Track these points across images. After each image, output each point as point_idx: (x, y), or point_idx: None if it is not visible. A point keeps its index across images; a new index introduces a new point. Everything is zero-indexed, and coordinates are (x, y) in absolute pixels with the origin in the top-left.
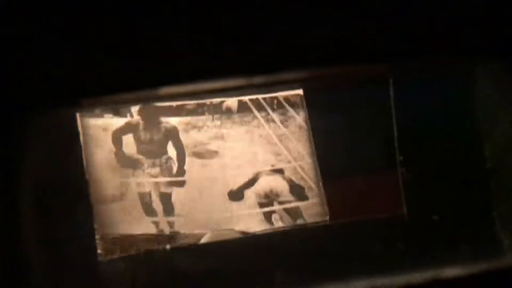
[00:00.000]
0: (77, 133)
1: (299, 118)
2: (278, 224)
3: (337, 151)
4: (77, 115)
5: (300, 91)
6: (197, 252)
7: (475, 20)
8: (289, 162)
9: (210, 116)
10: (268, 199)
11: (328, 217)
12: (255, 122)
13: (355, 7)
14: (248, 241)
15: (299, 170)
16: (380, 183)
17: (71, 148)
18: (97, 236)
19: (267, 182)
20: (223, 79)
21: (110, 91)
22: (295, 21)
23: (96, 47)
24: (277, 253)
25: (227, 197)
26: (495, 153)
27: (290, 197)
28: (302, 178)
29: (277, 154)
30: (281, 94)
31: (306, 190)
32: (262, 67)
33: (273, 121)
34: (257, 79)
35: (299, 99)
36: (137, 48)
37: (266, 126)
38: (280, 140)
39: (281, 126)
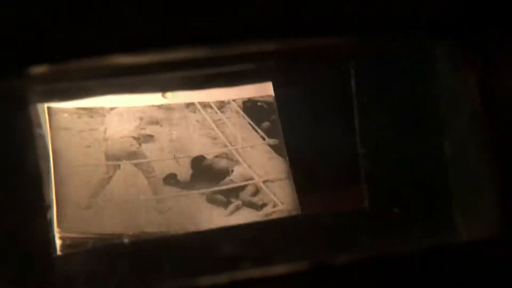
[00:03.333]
0: (26, 106)
1: (234, 104)
2: (220, 207)
3: (304, 142)
4: (45, 107)
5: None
6: (158, 244)
7: None
8: (225, 146)
9: None
10: (207, 182)
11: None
12: (191, 107)
13: None
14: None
15: (235, 154)
16: (342, 176)
17: (19, 123)
18: (55, 231)
19: (204, 166)
20: (185, 48)
21: (60, 59)
22: None
23: (44, 11)
24: (239, 244)
25: (162, 182)
26: (455, 144)
27: (228, 180)
28: (237, 161)
29: (214, 138)
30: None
31: (239, 173)
32: (224, 37)
33: (210, 106)
34: (220, 51)
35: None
36: (87, 13)
37: (202, 111)
38: (217, 125)
39: (218, 111)
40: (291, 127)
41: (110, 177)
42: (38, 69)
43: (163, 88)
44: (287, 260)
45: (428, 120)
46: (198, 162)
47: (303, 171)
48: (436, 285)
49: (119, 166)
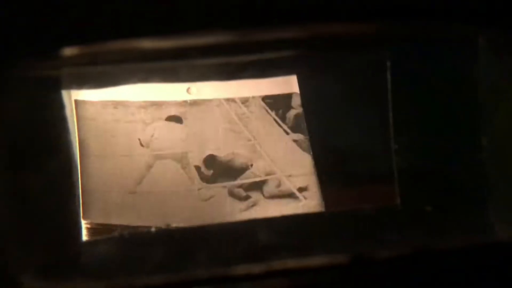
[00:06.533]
0: (58, 90)
1: (259, 98)
2: (240, 201)
3: (331, 133)
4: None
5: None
6: (187, 233)
7: None
8: (249, 140)
9: None
10: (228, 176)
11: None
12: (215, 101)
13: None
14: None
15: (258, 148)
16: (372, 173)
17: (51, 107)
18: (82, 219)
19: (229, 160)
20: (209, 34)
21: (92, 41)
22: None
23: None
24: (274, 235)
25: (189, 175)
26: (493, 139)
27: (249, 174)
28: (260, 155)
29: (237, 133)
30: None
31: (262, 167)
32: (252, 23)
33: (234, 101)
34: (247, 37)
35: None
36: None
37: (226, 105)
38: (241, 120)
39: (241, 106)
40: (317, 121)
41: (139, 168)
42: (70, 51)
43: (192, 78)
44: (320, 253)
45: (466, 115)
46: (219, 156)
47: (329, 167)
48: (473, 284)
49: (150, 157)
